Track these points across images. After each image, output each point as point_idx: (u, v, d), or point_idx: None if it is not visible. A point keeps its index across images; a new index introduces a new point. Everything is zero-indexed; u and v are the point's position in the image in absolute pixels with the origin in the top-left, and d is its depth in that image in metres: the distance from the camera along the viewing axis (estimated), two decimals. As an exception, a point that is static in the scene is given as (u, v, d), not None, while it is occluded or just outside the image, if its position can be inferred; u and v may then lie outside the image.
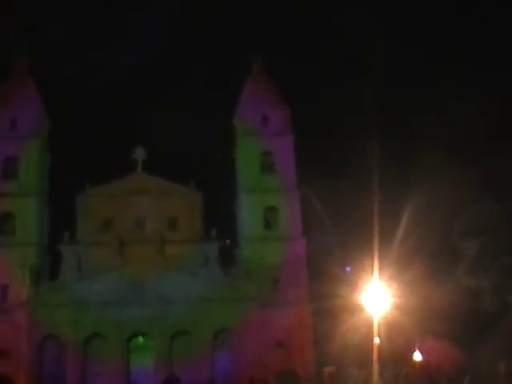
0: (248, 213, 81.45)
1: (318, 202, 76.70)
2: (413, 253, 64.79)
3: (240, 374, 70.44)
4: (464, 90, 78.38)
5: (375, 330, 47.02)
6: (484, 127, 69.68)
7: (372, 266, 52.17)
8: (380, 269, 51.55)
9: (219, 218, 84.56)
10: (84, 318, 71.89)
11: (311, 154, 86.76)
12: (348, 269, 79.42)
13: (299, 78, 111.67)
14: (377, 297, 52.59)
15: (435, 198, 64.99)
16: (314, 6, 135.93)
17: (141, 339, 74.75)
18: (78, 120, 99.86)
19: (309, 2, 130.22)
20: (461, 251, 68.99)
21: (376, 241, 50.33)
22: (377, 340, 69.01)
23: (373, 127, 75.37)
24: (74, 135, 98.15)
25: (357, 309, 60.03)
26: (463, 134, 70.50)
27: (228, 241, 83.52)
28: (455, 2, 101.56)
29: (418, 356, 68.97)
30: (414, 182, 69.71)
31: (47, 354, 72.61)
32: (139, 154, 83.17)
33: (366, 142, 71.51)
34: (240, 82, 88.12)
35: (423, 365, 66.09)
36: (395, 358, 66.34)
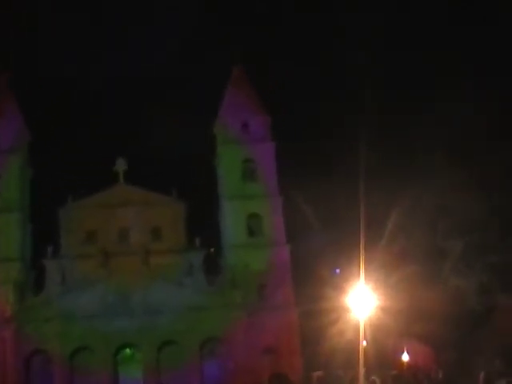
0: (231, 220, 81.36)
1: (304, 206, 76.75)
2: (399, 255, 64.98)
3: (229, 382, 70.27)
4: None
5: (361, 333, 46.90)
6: (472, 128, 69.86)
7: (357, 269, 52.15)
8: (366, 272, 51.40)
9: (203, 227, 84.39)
10: (71, 331, 71.52)
11: (295, 158, 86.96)
12: (337, 271, 79.58)
13: (280, 83, 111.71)
14: (363, 300, 52.64)
15: (420, 199, 65.19)
16: (293, 9, 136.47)
17: (128, 351, 74.50)
18: (58, 133, 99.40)
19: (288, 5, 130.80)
20: (446, 251, 69.15)
21: (362, 244, 50.24)
22: (364, 343, 69.34)
23: (357, 130, 75.57)
24: (54, 148, 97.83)
25: (343, 312, 60.00)
26: (449, 134, 70.64)
27: (212, 249, 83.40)
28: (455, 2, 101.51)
29: (405, 357, 69.28)
30: (399, 185, 69.93)
31: (34, 368, 72.19)
32: (120, 165, 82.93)
33: (351, 144, 71.74)
34: (221, 88, 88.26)
35: (410, 366, 66.35)
36: (382, 361, 66.46)
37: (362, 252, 49.21)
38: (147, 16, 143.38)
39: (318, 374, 71.81)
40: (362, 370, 34.81)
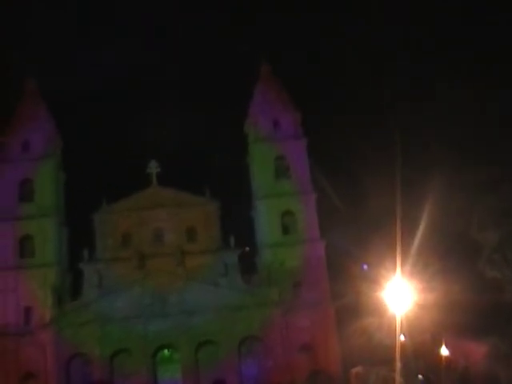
0: (265, 218, 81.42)
1: (335, 202, 76.54)
2: (433, 248, 64.42)
3: (267, 380, 70.20)
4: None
5: (398, 327, 46.68)
6: (500, 123, 69.19)
7: (392, 264, 51.91)
8: (401, 265, 51.26)
9: (236, 226, 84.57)
10: (109, 334, 71.99)
11: (326, 155, 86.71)
12: (365, 267, 79.22)
13: (309, 80, 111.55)
14: (399, 294, 52.39)
15: (454, 191, 64.66)
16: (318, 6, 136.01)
17: (166, 352, 74.65)
18: (90, 136, 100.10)
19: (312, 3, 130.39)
20: (482, 243, 68.53)
21: (398, 237, 50.04)
22: (402, 337, 68.97)
23: (390, 125, 75.12)
24: (87, 152, 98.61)
25: (379, 307, 59.73)
26: (479, 128, 70.04)
27: (247, 248, 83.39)
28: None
29: (444, 351, 68.66)
30: (432, 178, 69.44)
31: (74, 372, 72.58)
32: (153, 167, 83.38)
33: (384, 139, 71.38)
34: (250, 87, 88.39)
35: (449, 360, 65.74)
36: (420, 355, 65.96)
37: (398, 245, 49.05)
38: (171, 18, 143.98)
39: (356, 370, 71.57)
40: (398, 365, 34.60)
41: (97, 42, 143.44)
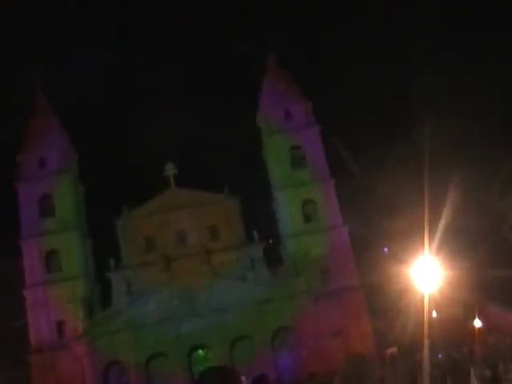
0: (286, 209, 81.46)
1: (355, 186, 76.57)
2: (459, 223, 64.20)
3: (303, 369, 70.12)
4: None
5: (426, 304, 46.49)
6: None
7: (418, 242, 51.72)
8: (428, 243, 51.10)
9: (259, 220, 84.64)
10: (142, 339, 72.10)
11: (344, 140, 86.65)
12: (386, 250, 79.19)
13: (317, 68, 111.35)
14: (427, 271, 52.25)
15: (478, 166, 64.72)
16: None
17: (201, 352, 74.84)
18: (104, 146, 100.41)
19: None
20: (504, 211, 68.36)
21: (426, 214, 49.74)
22: (434, 314, 68.75)
23: (412, 107, 75.11)
24: (102, 162, 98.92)
25: (408, 286, 59.62)
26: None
27: (271, 240, 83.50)
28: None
29: (477, 323, 68.41)
30: (456, 154, 69.68)
31: (112, 380, 72.98)
32: (170, 169, 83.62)
33: (406, 116, 71.32)
34: (258, 80, 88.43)
35: (482, 331, 65.51)
36: (452, 330, 65.87)
37: (426, 222, 48.85)
38: (172, 17, 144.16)
39: (391, 350, 71.33)
40: (427, 343, 34.40)
41: (108, 41, 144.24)
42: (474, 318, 68.67)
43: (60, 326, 76.98)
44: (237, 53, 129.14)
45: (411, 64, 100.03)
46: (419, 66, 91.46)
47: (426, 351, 31.77)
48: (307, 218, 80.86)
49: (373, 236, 75.98)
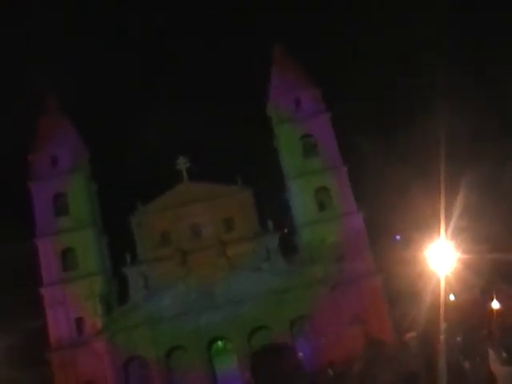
0: (300, 198, 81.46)
1: (370, 173, 76.47)
2: (474, 206, 63.92)
3: (322, 357, 70.02)
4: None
5: (442, 287, 46.59)
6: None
7: (434, 226, 51.68)
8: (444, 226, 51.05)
9: (273, 209, 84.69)
10: (161, 333, 72.34)
11: (355, 127, 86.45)
12: (398, 237, 79.15)
13: (324, 55, 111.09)
14: (444, 255, 52.18)
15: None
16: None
17: (220, 343, 75.04)
18: (115, 143, 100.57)
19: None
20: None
21: (443, 198, 49.69)
22: (452, 297, 68.65)
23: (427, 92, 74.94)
24: (114, 158, 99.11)
25: (425, 270, 59.56)
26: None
27: (286, 230, 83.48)
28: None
29: (495, 304, 68.20)
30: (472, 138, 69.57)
31: (132, 375, 73.31)
32: (182, 163, 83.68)
33: (422, 105, 71.16)
34: (266, 70, 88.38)
35: (500, 312, 65.28)
36: (470, 312, 65.63)
37: (442, 206, 48.79)
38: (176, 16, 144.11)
39: (411, 335, 71.21)
40: (443, 326, 34.45)
41: (111, 39, 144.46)
42: (492, 300, 68.52)
43: (79, 323, 77.41)
44: (245, 43, 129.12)
45: (425, 50, 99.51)
46: (433, 53, 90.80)
47: (442, 335, 31.76)
48: (321, 206, 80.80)
49: (388, 222, 75.84)
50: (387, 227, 77.04)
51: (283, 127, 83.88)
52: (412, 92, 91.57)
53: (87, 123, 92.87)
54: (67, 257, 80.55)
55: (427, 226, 55.90)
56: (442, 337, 31.31)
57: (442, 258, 52.29)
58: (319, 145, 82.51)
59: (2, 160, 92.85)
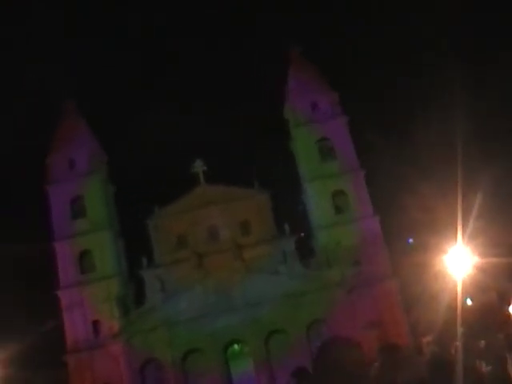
0: (316, 201, 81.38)
1: (386, 178, 76.33)
2: (492, 210, 63.69)
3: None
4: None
5: (459, 291, 46.46)
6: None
7: (452, 230, 51.59)
8: (462, 231, 50.95)
9: (289, 213, 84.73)
10: (177, 336, 72.38)
11: (372, 131, 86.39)
12: (410, 241, 79.01)
13: (340, 59, 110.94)
14: (461, 259, 52.12)
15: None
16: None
17: (236, 346, 75.05)
18: (133, 146, 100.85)
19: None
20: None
21: (459, 202, 49.54)
22: (468, 301, 68.41)
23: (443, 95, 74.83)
24: (131, 161, 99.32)
25: (442, 274, 59.43)
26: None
27: (302, 233, 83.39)
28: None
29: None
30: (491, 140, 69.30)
31: (149, 378, 73.48)
32: (199, 166, 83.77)
33: (439, 108, 71.04)
34: (281, 73, 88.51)
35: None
36: (488, 317, 65.38)
37: (459, 211, 48.65)
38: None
39: (427, 339, 71.01)
40: (460, 330, 34.34)
41: (128, 40, 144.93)
42: (510, 304, 68.24)
43: (96, 325, 77.70)
44: (261, 46, 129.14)
45: (441, 52, 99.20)
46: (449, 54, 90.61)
47: (459, 339, 31.68)
48: (338, 210, 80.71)
49: (404, 225, 75.62)
50: (403, 231, 76.88)
51: (300, 130, 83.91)
52: (427, 94, 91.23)
53: (105, 126, 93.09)
54: (84, 259, 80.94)
55: (444, 229, 55.78)
56: (458, 341, 31.30)
57: (458, 261, 52.25)
58: (336, 148, 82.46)
59: (20, 163, 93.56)
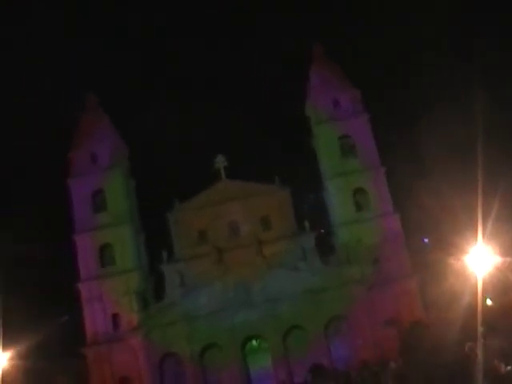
0: (337, 198, 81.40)
1: (406, 174, 76.09)
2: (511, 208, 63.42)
3: (357, 358, 69.70)
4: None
5: (479, 292, 46.27)
6: None
7: (472, 230, 51.39)
8: (482, 230, 50.73)
9: (309, 209, 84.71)
10: (196, 331, 72.78)
11: (393, 129, 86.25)
12: (426, 240, 78.87)
13: (362, 56, 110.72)
14: (481, 258, 51.84)
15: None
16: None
17: (255, 342, 75.16)
18: (154, 140, 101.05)
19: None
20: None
21: (480, 202, 49.38)
22: (488, 301, 68.08)
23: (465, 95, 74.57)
24: (153, 156, 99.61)
25: (462, 273, 59.18)
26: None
27: (322, 229, 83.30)
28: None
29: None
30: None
31: (167, 372, 73.81)
32: (220, 161, 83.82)
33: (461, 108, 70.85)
34: (303, 70, 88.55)
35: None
36: (507, 316, 65.09)
37: (480, 210, 48.50)
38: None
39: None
40: (480, 330, 34.33)
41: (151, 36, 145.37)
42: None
43: (115, 318, 78.08)
44: (283, 42, 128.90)
45: (464, 51, 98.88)
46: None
47: (479, 339, 31.61)
48: (358, 207, 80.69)
49: (424, 224, 75.38)
50: (423, 229, 76.67)
51: (322, 127, 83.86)
52: (449, 94, 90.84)
53: (126, 120, 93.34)
54: (104, 253, 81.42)
55: (464, 229, 55.56)
56: (478, 341, 31.28)
57: (479, 261, 52.02)
58: (357, 145, 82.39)
59: (41, 157, 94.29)
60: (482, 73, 78.02)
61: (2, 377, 52.49)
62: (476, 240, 51.37)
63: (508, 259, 57.20)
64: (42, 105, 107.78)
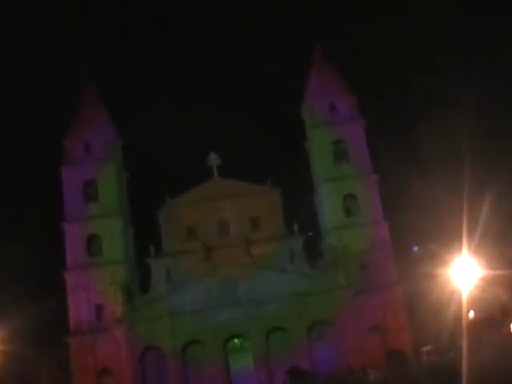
0: (327, 202, 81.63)
1: (398, 183, 76.35)
2: (497, 224, 63.71)
3: (339, 363, 69.90)
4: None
5: (464, 303, 46.60)
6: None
7: (457, 242, 51.75)
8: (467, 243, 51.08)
9: (300, 212, 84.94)
10: (180, 326, 72.70)
11: (385, 136, 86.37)
12: (415, 249, 79.14)
13: (362, 62, 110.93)
14: (466, 270, 52.18)
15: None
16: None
17: (237, 341, 75.23)
18: (149, 135, 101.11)
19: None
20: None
21: (465, 215, 49.66)
22: (471, 314, 68.37)
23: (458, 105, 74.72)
24: (147, 150, 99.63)
25: (446, 285, 59.53)
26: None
27: (311, 233, 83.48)
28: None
29: (516, 325, 67.86)
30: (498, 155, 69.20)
31: (149, 365, 73.80)
32: (213, 159, 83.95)
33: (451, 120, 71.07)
34: (302, 72, 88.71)
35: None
36: (490, 329, 65.42)
37: (465, 223, 48.75)
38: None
39: (427, 348, 71.10)
40: (465, 342, 34.54)
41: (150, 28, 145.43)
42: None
43: (99, 309, 78.10)
44: (282, 44, 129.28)
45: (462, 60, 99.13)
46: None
47: (464, 350, 31.75)
48: (348, 212, 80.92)
49: (412, 233, 75.69)
50: (410, 238, 76.98)
51: (317, 131, 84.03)
52: (438, 105, 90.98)
53: (123, 113, 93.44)
54: (93, 243, 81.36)
55: (451, 240, 55.93)
56: (464, 353, 31.48)
57: (464, 273, 52.39)
58: (351, 151, 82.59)
59: (34, 144, 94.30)
60: (474, 79, 78.11)
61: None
62: (461, 252, 51.78)
63: (493, 272, 57.59)
64: (42, 105, 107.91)
